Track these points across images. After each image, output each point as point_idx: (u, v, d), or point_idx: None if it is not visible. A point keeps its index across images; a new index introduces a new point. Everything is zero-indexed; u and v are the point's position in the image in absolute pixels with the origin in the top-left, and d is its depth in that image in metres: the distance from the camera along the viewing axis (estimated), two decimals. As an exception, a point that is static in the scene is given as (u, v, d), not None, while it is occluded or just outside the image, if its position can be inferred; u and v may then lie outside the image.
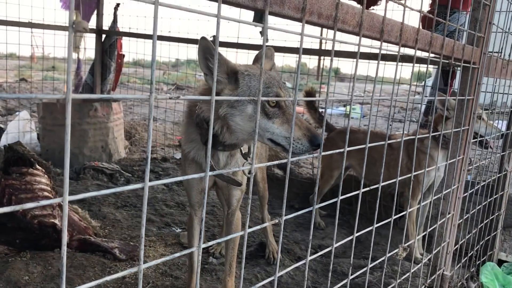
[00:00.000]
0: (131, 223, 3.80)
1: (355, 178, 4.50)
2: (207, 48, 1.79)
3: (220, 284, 2.93)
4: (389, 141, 1.74)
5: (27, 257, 2.89)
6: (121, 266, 3.00)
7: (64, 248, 0.77)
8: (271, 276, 1.28)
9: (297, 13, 1.20)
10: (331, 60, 1.36)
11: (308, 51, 4.99)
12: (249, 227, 1.19)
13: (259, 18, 4.48)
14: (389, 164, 3.71)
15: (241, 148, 2.14)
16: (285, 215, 1.36)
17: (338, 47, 4.52)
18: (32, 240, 3.02)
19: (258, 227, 1.24)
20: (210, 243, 1.10)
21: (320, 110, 7.00)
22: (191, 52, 6.03)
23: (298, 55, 1.23)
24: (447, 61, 2.12)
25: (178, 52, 6.29)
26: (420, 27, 1.82)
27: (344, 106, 13.65)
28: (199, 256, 1.03)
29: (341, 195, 1.55)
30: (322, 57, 6.22)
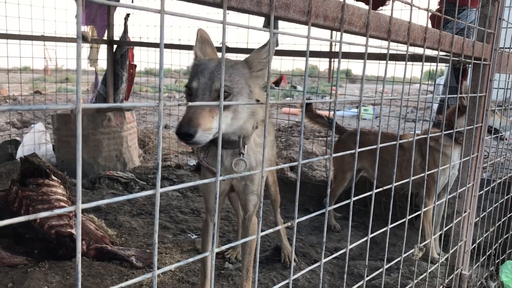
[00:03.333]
0: (147, 231, 3.83)
1: (369, 180, 4.48)
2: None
3: (236, 289, 2.93)
4: (400, 141, 1.74)
5: (46, 267, 2.93)
6: (138, 274, 3.02)
7: (79, 256, 0.79)
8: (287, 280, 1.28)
9: (303, 17, 1.21)
10: (339, 62, 1.36)
11: (318, 54, 4.99)
12: (263, 231, 1.19)
13: (268, 23, 4.49)
14: (401, 165, 3.68)
15: (241, 148, 2.08)
16: (299, 218, 1.36)
17: (348, 48, 4.52)
18: (50, 250, 3.06)
19: (271, 230, 1.25)
20: (223, 247, 1.10)
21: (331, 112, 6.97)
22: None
23: (306, 58, 1.24)
24: (457, 59, 2.11)
25: (189, 60, 6.34)
26: (430, 26, 1.82)
27: (356, 107, 13.60)
28: (212, 261, 1.04)
29: (355, 197, 1.55)
30: (332, 60, 6.23)
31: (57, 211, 0.77)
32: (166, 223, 4.03)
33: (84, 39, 5.58)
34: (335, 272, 3.34)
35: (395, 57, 4.08)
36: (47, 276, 2.82)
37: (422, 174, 2.03)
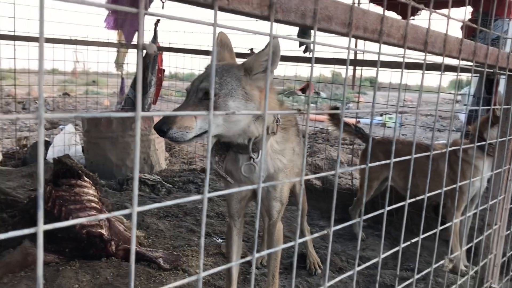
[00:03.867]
0: (173, 233, 3.89)
1: (395, 188, 4.46)
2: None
3: (262, 295, 2.95)
4: (434, 152, 1.74)
5: (76, 266, 3.00)
6: (165, 275, 3.06)
7: (133, 257, 0.83)
8: (312, 287, 1.30)
9: (344, 28, 1.24)
10: (377, 73, 1.38)
11: (345, 61, 4.99)
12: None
13: (301, 32, 4.56)
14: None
15: (250, 152, 2.08)
16: (324, 226, 1.38)
17: (376, 57, 4.51)
18: (80, 250, 3.13)
19: (308, 237, 1.27)
20: (263, 253, 1.13)
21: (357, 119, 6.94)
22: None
23: (334, 66, 1.26)
24: (492, 71, 2.10)
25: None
26: (461, 35, 1.82)
27: (381, 115, 13.50)
28: (252, 266, 1.07)
29: (382, 207, 1.56)
30: (360, 68, 6.21)
31: (115, 213, 0.81)
32: (192, 226, 4.08)
33: (144, 49, 5.69)
34: (360, 280, 3.33)
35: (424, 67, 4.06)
36: (78, 275, 2.89)
37: (453, 186, 2.03)
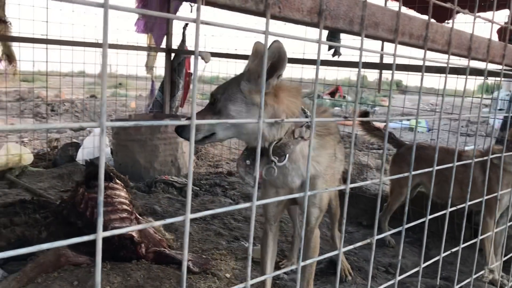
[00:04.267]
0: (202, 236, 3.90)
1: (427, 195, 4.38)
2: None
3: (292, 300, 2.93)
4: (476, 160, 1.70)
5: (107, 268, 3.03)
6: (194, 279, 3.07)
7: (185, 263, 0.82)
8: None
9: (390, 35, 1.22)
10: (422, 79, 1.36)
11: (373, 65, 4.96)
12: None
13: (330, 35, 4.55)
14: (462, 182, 3.58)
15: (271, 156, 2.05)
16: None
17: (408, 61, 4.46)
18: (111, 252, 3.16)
19: (352, 246, 1.25)
20: (308, 262, 1.12)
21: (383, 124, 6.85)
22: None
23: (391, 74, 1.24)
24: (534, 76, 2.04)
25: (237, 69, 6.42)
26: (497, 38, 1.79)
27: (408, 120, 13.31)
28: (298, 274, 1.06)
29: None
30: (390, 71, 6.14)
31: (169, 220, 0.81)
32: (220, 230, 4.08)
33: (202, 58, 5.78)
34: (390, 288, 3.28)
35: (457, 71, 3.99)
36: (109, 277, 2.92)
37: (494, 195, 1.98)
